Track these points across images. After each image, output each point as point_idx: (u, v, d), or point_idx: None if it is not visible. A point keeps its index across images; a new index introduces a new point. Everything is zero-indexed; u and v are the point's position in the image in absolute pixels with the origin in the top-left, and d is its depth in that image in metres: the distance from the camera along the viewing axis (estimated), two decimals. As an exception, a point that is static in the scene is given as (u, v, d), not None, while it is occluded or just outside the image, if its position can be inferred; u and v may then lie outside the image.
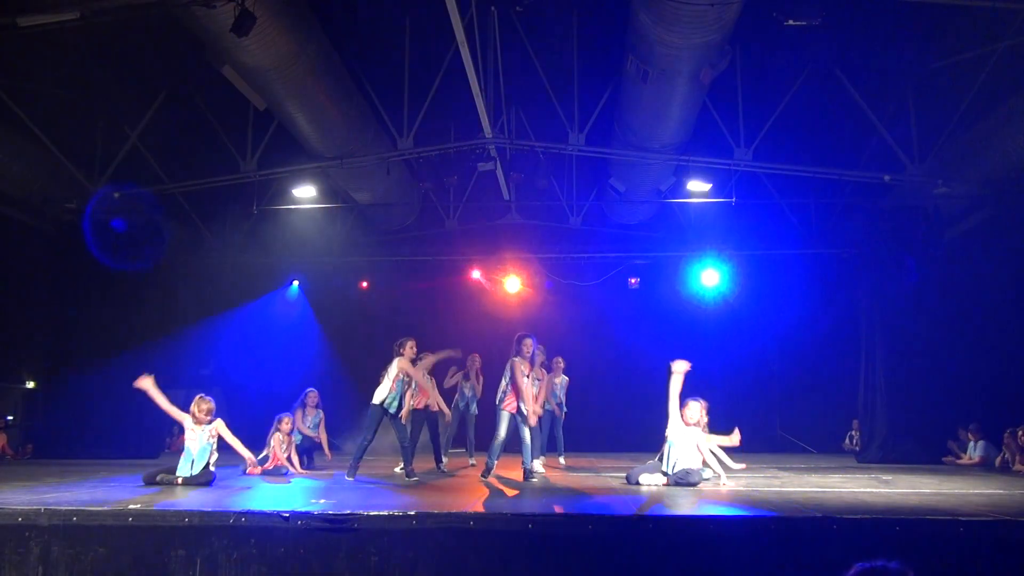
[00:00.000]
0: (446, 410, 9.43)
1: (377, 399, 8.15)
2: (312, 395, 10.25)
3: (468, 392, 10.03)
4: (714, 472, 7.85)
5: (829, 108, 11.52)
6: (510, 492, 6.94)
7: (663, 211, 14.50)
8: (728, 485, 7.44)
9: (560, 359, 10.52)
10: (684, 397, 7.86)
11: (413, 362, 8.27)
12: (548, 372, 9.70)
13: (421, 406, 9.47)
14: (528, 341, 8.00)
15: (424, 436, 9.91)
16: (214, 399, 8.29)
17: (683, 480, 7.46)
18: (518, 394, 7.91)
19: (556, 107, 11.17)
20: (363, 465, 8.30)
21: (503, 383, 8.07)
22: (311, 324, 15.62)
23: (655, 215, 14.66)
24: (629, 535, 4.79)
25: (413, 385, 8.49)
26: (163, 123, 11.62)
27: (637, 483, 7.60)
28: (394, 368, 8.14)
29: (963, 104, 10.19)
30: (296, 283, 15.69)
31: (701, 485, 7.48)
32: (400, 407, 8.27)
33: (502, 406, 7.98)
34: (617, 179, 12.59)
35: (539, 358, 8.31)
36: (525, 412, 7.93)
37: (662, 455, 7.82)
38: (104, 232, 12.18)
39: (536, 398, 8.15)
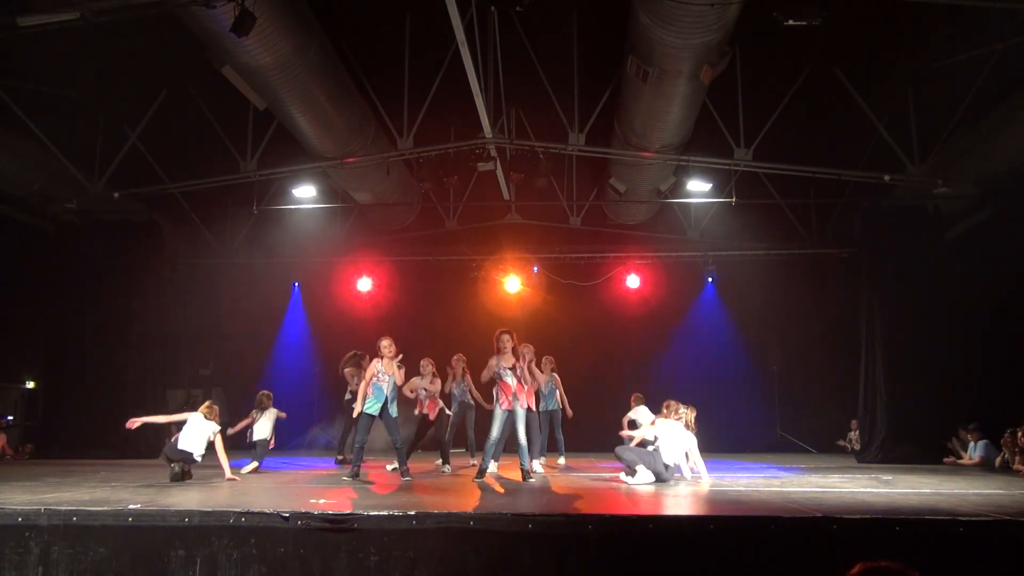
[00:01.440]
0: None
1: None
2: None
3: (457, 392, 10.03)
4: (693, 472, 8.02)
5: (829, 108, 11.52)
6: (510, 492, 6.94)
7: (663, 211, 14.50)
8: (705, 487, 7.47)
9: (550, 358, 10.54)
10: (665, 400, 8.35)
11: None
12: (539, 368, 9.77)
13: (420, 412, 9.53)
14: (504, 337, 8.02)
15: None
16: (215, 399, 8.41)
17: (660, 476, 7.63)
18: (505, 390, 7.96)
19: (556, 107, 11.17)
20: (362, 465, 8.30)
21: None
22: (310, 324, 15.63)
23: (655, 215, 14.66)
24: (629, 535, 4.79)
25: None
26: (163, 123, 11.62)
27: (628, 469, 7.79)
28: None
29: (963, 104, 10.19)
30: (297, 284, 15.69)
31: (698, 484, 7.48)
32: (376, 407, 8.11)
33: (497, 404, 8.03)
34: (617, 179, 12.59)
35: (520, 350, 8.28)
36: (508, 408, 7.93)
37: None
38: (104, 232, 12.19)
39: (519, 389, 8.05)
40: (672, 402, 8.24)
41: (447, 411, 9.86)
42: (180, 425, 8.11)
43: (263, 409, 9.67)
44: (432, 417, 9.71)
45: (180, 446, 7.88)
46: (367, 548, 4.75)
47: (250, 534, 4.82)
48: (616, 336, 14.89)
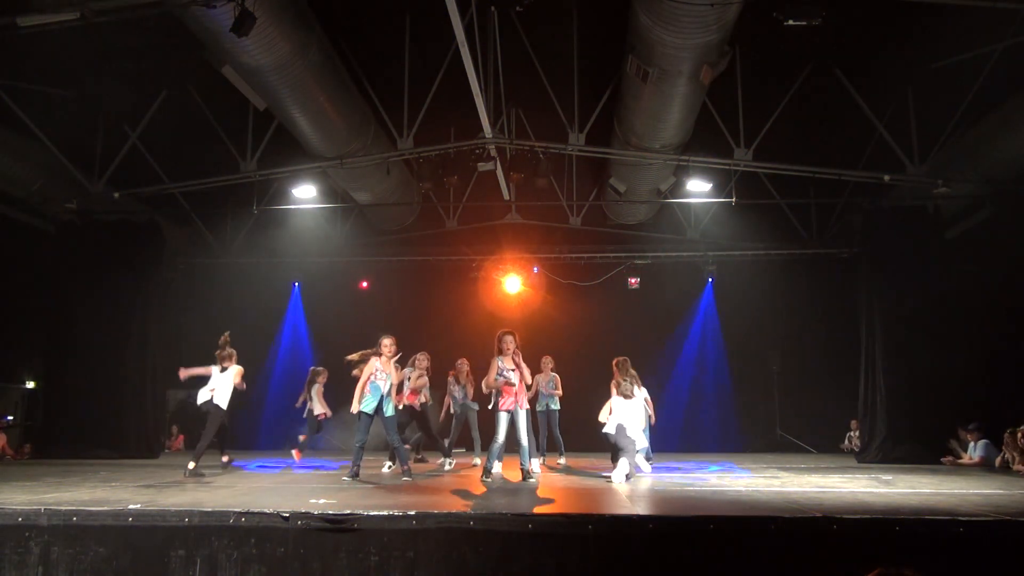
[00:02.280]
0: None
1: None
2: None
3: (458, 394, 10.04)
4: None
5: (829, 108, 11.52)
6: (510, 492, 6.94)
7: (663, 211, 14.51)
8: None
9: (548, 357, 10.57)
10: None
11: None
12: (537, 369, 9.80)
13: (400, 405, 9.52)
14: (507, 338, 8.00)
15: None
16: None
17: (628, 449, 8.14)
18: (507, 391, 7.94)
19: (556, 107, 11.17)
20: (363, 464, 8.29)
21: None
22: (310, 324, 15.63)
23: (655, 215, 14.66)
24: (629, 535, 4.79)
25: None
26: (163, 123, 11.62)
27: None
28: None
29: (963, 104, 10.19)
30: (297, 284, 15.70)
31: (699, 482, 7.50)
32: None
33: (498, 407, 8.01)
34: (617, 179, 12.59)
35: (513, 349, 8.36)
36: (512, 409, 7.93)
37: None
38: (104, 232, 12.19)
39: (520, 388, 8.06)
40: (619, 359, 8.69)
41: (427, 405, 9.82)
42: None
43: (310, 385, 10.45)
44: (411, 406, 9.61)
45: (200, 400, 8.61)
46: (367, 548, 4.75)
47: (250, 534, 4.83)
48: (616, 336, 14.87)
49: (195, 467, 8.12)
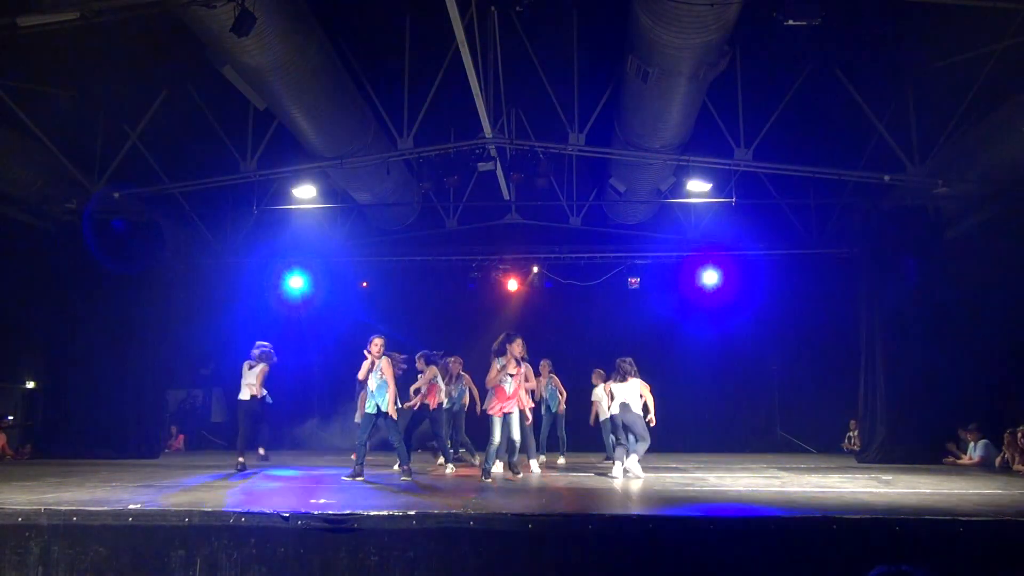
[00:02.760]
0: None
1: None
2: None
3: (455, 394, 10.04)
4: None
5: (829, 108, 11.51)
6: (510, 492, 6.95)
7: (663, 211, 14.50)
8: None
9: (546, 361, 10.61)
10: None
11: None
12: (535, 373, 9.79)
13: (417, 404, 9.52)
14: (516, 342, 8.07)
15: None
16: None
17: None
18: (500, 395, 8.04)
19: (556, 107, 11.17)
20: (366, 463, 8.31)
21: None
22: (310, 324, 15.61)
23: (655, 215, 14.66)
24: (629, 535, 4.80)
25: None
26: (163, 123, 11.61)
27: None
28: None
29: (963, 104, 10.19)
30: (297, 284, 15.66)
31: (702, 483, 7.50)
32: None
33: (487, 409, 8.07)
34: (617, 179, 12.58)
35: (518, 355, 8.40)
36: (505, 412, 7.97)
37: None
38: (104, 232, 12.19)
39: (514, 394, 8.12)
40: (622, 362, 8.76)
41: (444, 405, 9.82)
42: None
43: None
44: (432, 406, 9.59)
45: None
46: (367, 548, 4.76)
47: (250, 534, 4.83)
48: (616, 336, 14.88)
49: (242, 462, 9.11)
